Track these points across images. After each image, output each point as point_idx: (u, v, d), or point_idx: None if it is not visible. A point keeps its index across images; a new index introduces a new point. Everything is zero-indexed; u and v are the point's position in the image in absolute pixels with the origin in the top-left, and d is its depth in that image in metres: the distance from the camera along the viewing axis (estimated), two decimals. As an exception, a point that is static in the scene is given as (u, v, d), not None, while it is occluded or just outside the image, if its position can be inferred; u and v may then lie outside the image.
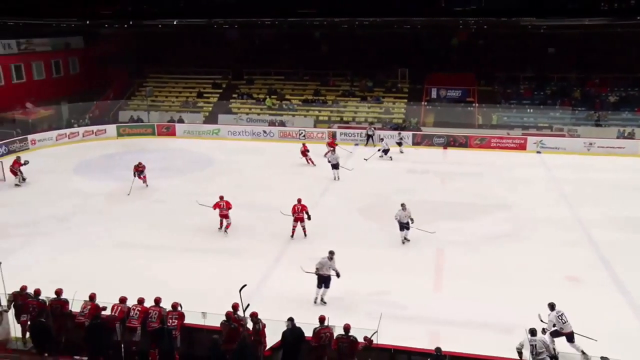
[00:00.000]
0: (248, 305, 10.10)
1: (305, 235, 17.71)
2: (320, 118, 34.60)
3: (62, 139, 31.29)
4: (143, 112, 35.60)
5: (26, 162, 23.58)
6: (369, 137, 31.06)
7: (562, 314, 11.20)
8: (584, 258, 16.06)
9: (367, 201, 21.27)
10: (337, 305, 12.97)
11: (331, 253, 13.52)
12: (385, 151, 27.74)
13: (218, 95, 37.45)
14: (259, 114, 35.23)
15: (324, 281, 13.45)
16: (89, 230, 18.29)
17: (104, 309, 10.82)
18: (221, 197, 18.10)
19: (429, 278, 14.89)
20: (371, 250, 16.63)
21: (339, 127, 33.06)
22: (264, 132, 32.76)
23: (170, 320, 10.43)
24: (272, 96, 36.28)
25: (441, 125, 32.73)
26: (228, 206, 17.93)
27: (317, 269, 13.41)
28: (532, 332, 10.07)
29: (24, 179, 23.32)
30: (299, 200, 17.78)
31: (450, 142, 30.71)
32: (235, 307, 10.39)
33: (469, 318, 12.72)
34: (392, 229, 18.02)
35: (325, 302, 13.38)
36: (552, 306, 11.42)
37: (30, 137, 29.89)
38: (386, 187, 23.05)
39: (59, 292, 11.05)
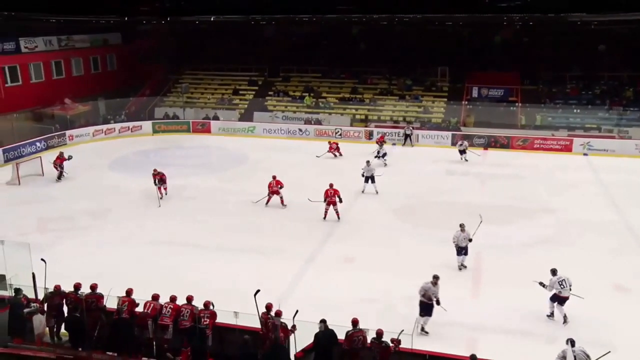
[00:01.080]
0: (297, 311, 10.15)
1: (338, 218, 18.90)
2: (357, 117, 34.50)
3: (99, 135, 32.08)
4: (179, 108, 36.20)
5: (70, 157, 24.31)
6: (407, 136, 30.81)
7: (563, 280, 12.47)
8: (633, 266, 15.53)
9: (404, 202, 21.11)
10: (371, 308, 12.87)
11: (435, 278, 12.26)
12: (384, 155, 26.65)
13: (254, 92, 37.76)
14: (294, 111, 35.35)
15: (426, 309, 12.25)
16: (123, 226, 18.70)
17: (137, 305, 11.04)
18: (274, 177, 20.44)
19: (466, 283, 14.67)
20: (406, 253, 16.49)
21: (376, 126, 32.91)
22: (300, 130, 32.87)
23: (202, 319, 10.55)
24: (310, 94, 36.35)
25: (482, 126, 32.20)
26: (278, 184, 20.22)
27: (422, 295, 12.26)
28: (573, 342, 9.81)
29: (62, 175, 24.00)
30: (331, 185, 19.10)
31: (491, 143, 30.21)
32: (268, 307, 10.47)
33: (507, 326, 12.48)
34: (430, 230, 17.91)
35: (427, 332, 12.24)
36: (553, 271, 12.67)
37: (68, 132, 30.78)
38: (423, 188, 22.83)
39: (94, 287, 11.29)
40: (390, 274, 15.00)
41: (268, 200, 20.46)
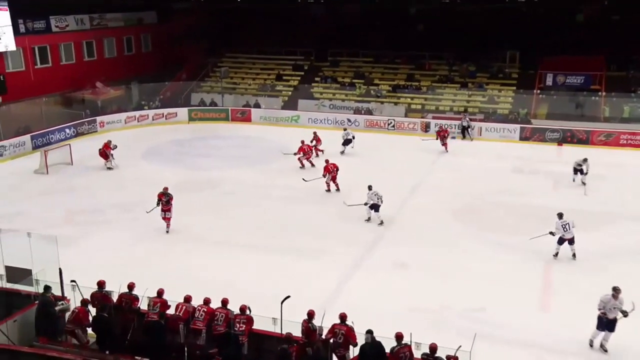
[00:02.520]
0: (352, 323, 10.29)
1: (338, 189, 21.69)
2: (413, 107, 34.19)
3: (131, 122, 32.91)
4: (217, 95, 36.67)
5: (115, 147, 25.17)
6: (464, 129, 30.33)
7: (566, 224, 15.52)
8: None
9: (463, 202, 20.84)
10: (426, 319, 12.78)
11: (616, 290, 11.67)
12: (347, 142, 27.18)
13: (299, 78, 37.91)
14: (343, 100, 35.35)
15: (607, 323, 11.78)
16: (154, 221, 19.01)
17: (169, 307, 11.27)
18: (327, 161, 22.16)
19: (534, 295, 14.38)
20: (466, 259, 16.28)
21: (434, 118, 32.51)
22: (349, 120, 32.83)
23: (238, 325, 10.69)
24: (359, 80, 36.23)
25: (556, 118, 31.38)
26: (335, 167, 21.95)
27: (600, 309, 11.83)
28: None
29: (115, 164, 25.00)
30: (327, 161, 21.94)
31: (567, 138, 29.41)
32: (310, 314, 10.53)
33: (580, 346, 12.18)
34: (493, 235, 17.62)
35: (606, 350, 11.95)
36: (560, 215, 15.74)
37: (99, 119, 31.71)
38: (486, 187, 22.45)
39: (131, 286, 11.58)
40: (446, 283, 14.86)
41: (328, 184, 22.33)
